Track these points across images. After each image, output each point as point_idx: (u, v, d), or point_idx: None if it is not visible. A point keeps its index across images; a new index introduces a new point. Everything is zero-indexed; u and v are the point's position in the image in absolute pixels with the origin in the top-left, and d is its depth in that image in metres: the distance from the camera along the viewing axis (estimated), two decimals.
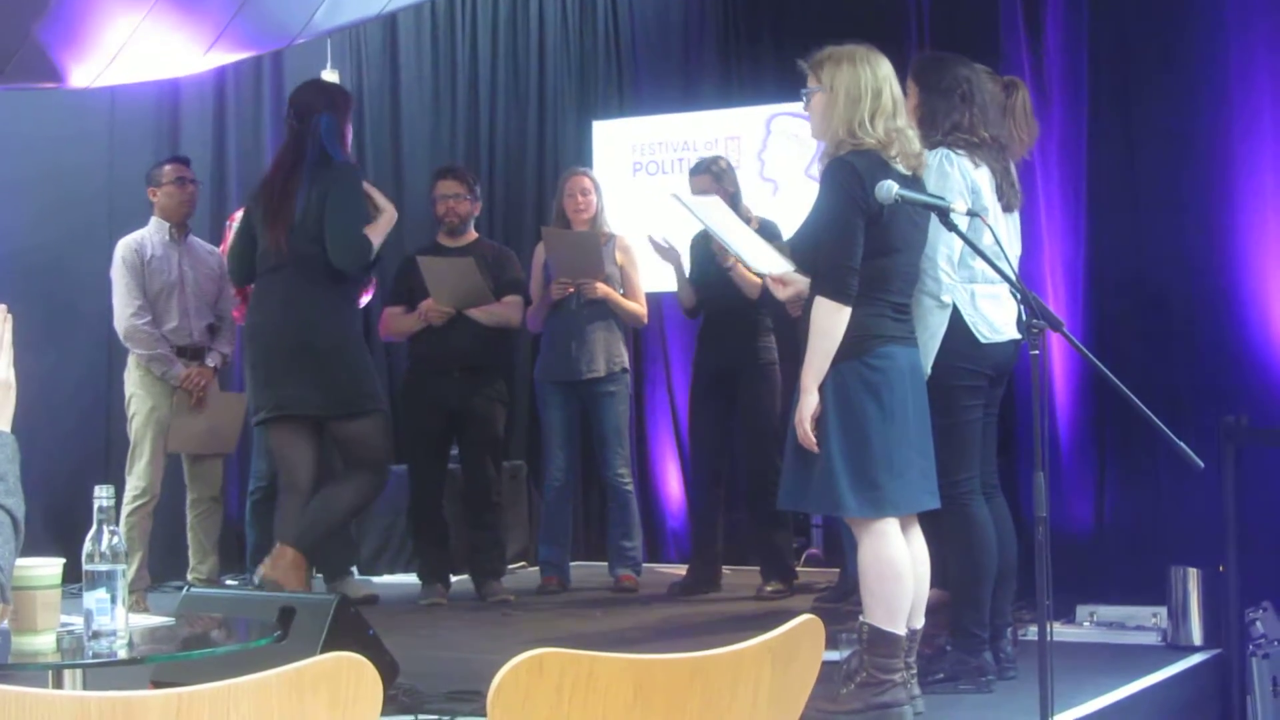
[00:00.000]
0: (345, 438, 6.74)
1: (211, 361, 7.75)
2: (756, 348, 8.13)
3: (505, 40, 10.67)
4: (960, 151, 5.47)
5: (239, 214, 8.22)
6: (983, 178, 5.49)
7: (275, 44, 8.11)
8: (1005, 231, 5.61)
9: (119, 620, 3.34)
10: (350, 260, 6.64)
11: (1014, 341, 5.54)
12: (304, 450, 6.73)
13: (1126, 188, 7.57)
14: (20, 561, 3.11)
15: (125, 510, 7.47)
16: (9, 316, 2.62)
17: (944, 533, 5.44)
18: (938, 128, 5.53)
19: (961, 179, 5.41)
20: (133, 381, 7.68)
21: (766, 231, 7.70)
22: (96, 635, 3.32)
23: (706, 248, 8.03)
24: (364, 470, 6.72)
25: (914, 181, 5.04)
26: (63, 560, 3.51)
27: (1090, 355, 4.54)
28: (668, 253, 8.06)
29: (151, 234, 7.74)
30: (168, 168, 7.82)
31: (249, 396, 6.90)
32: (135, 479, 7.57)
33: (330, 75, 9.07)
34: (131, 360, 7.68)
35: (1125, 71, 7.60)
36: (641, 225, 8.88)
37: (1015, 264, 5.48)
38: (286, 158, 6.77)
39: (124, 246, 7.69)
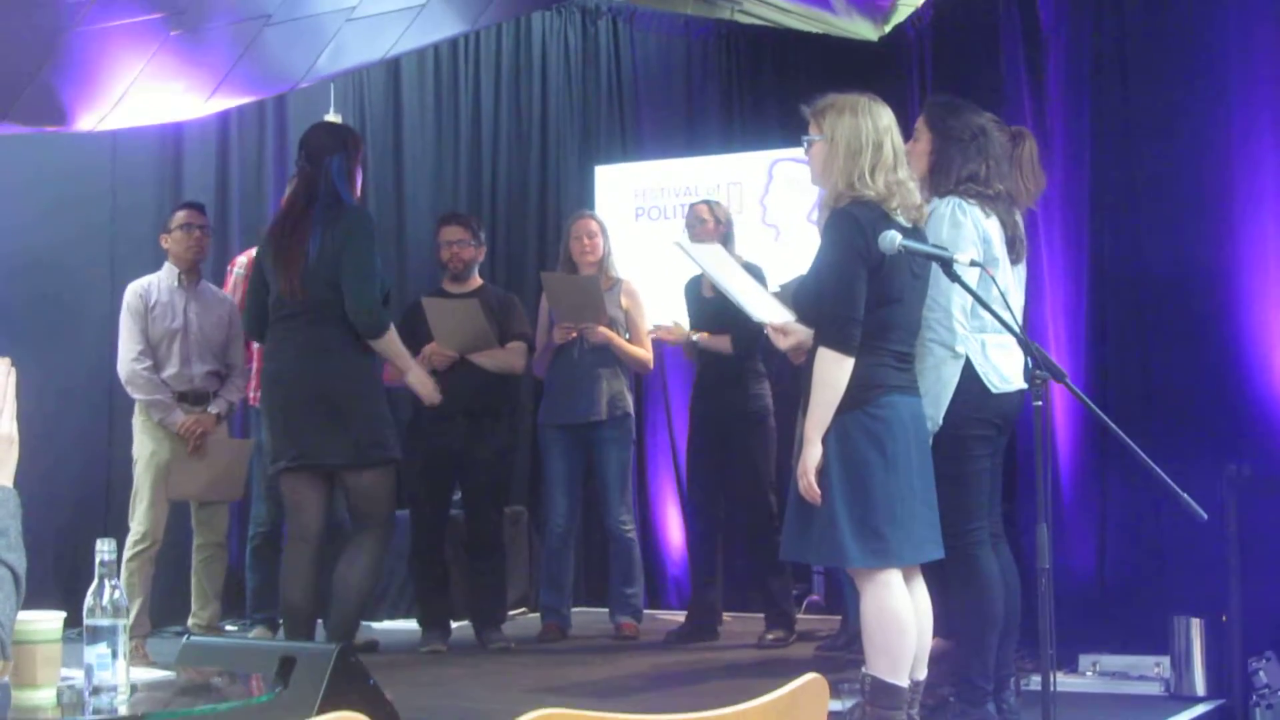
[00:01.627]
0: (356, 489, 6.67)
1: (215, 408, 7.74)
2: (748, 396, 8.13)
3: (508, 85, 10.69)
4: (972, 202, 5.46)
5: (240, 258, 8.26)
6: (993, 229, 5.49)
7: (278, 89, 8.13)
8: (1012, 283, 5.61)
9: (120, 675, 3.33)
10: (364, 318, 6.60)
11: (1022, 391, 5.53)
12: (316, 499, 6.69)
13: (1129, 233, 7.56)
14: (21, 615, 3.10)
15: (126, 555, 7.45)
16: (12, 370, 2.61)
17: (950, 582, 5.42)
18: (951, 176, 5.52)
19: (974, 230, 5.40)
20: (137, 426, 7.69)
21: (752, 275, 7.74)
22: (97, 690, 3.31)
23: (698, 294, 8.09)
24: (370, 531, 6.67)
25: (915, 233, 5.04)
26: (63, 614, 3.50)
27: (1093, 405, 4.54)
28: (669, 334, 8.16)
29: (161, 279, 7.75)
30: (179, 214, 7.84)
31: (267, 443, 6.84)
32: (136, 524, 7.56)
33: (333, 119, 9.08)
34: (137, 405, 7.68)
35: (1128, 118, 7.59)
36: (644, 270, 8.91)
37: (1020, 315, 5.48)
38: (298, 201, 6.71)
39: (131, 291, 7.71)
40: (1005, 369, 5.46)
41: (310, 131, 6.97)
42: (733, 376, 8.12)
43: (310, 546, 6.67)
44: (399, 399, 7.97)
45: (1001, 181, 5.59)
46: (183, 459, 7.61)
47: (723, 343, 7.96)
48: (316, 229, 6.54)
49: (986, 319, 5.38)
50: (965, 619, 5.48)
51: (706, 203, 8.47)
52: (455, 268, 8.24)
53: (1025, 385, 5.49)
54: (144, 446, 7.63)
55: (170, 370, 7.66)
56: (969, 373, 5.38)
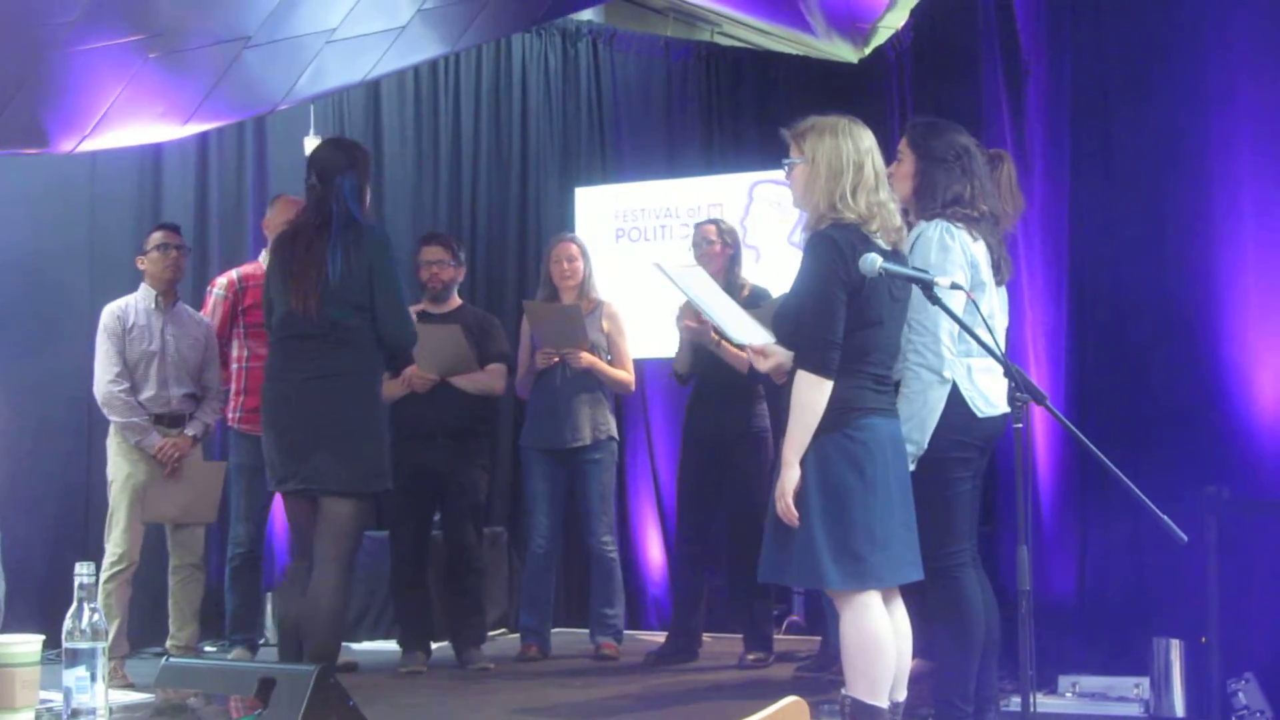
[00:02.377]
0: (331, 514, 6.48)
1: (192, 430, 7.72)
2: (749, 415, 8.12)
3: (488, 107, 10.69)
4: (959, 225, 5.47)
5: (220, 279, 8.23)
6: (980, 251, 5.49)
7: (257, 111, 8.11)
8: (997, 306, 5.62)
9: (98, 698, 3.32)
10: (403, 340, 6.60)
11: (1006, 415, 5.53)
12: (314, 519, 6.60)
13: (1109, 255, 7.57)
14: (0, 638, 3.10)
15: (103, 577, 7.41)
16: None
17: (933, 605, 5.42)
18: (936, 199, 5.52)
19: (962, 253, 5.41)
20: (112, 448, 7.66)
21: (756, 298, 7.73)
22: (76, 714, 3.31)
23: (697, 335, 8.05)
24: (333, 565, 6.42)
25: (895, 255, 5.05)
26: (42, 637, 3.50)
27: (1073, 428, 4.55)
28: (697, 331, 8.01)
29: (137, 301, 7.73)
30: (155, 235, 7.81)
31: (268, 461, 6.73)
32: (113, 545, 7.52)
33: (313, 141, 9.07)
34: (112, 427, 7.66)
35: (1108, 138, 7.61)
36: (625, 291, 8.92)
37: (1002, 337, 5.49)
38: (310, 220, 6.58)
39: (108, 313, 7.68)
40: (991, 394, 5.46)
41: (319, 149, 6.85)
42: (735, 395, 8.11)
43: (309, 565, 6.60)
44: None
45: (986, 202, 5.59)
46: (158, 481, 7.58)
47: (740, 360, 7.67)
48: (336, 250, 6.45)
49: (972, 343, 5.39)
50: (948, 641, 5.47)
51: (715, 223, 8.41)
52: (434, 288, 8.24)
53: (1008, 410, 5.51)
54: (119, 469, 7.60)
55: (148, 393, 7.64)
56: (955, 397, 5.38)
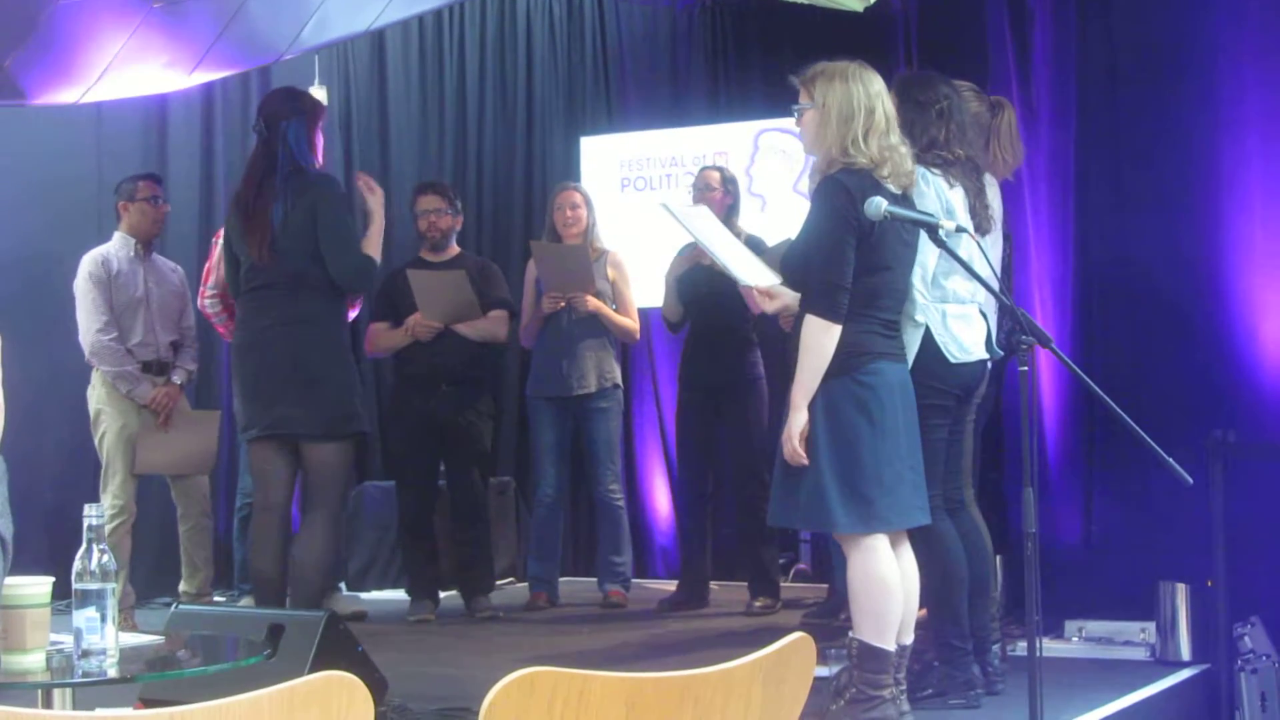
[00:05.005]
0: (316, 462, 6.52)
1: (178, 378, 7.70)
2: (744, 362, 8.12)
3: (493, 56, 10.67)
4: (936, 170, 5.46)
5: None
6: (957, 198, 5.47)
7: (262, 61, 8.09)
8: (976, 252, 5.61)
9: (109, 639, 3.34)
10: (356, 282, 6.61)
11: (982, 362, 5.54)
12: (283, 468, 6.59)
13: (1114, 203, 7.57)
14: (9, 580, 3.11)
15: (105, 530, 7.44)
16: None
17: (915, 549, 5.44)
18: (914, 144, 5.52)
19: (937, 199, 5.39)
20: (98, 398, 7.64)
21: (753, 247, 7.72)
22: (86, 654, 3.32)
23: (693, 261, 8.04)
24: (324, 509, 6.51)
25: (904, 200, 5.05)
26: (52, 579, 3.51)
27: (1079, 371, 4.55)
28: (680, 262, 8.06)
29: (117, 249, 7.71)
30: (142, 184, 7.79)
31: (238, 412, 6.75)
32: (111, 498, 7.51)
33: (318, 91, 9.05)
34: (96, 377, 7.63)
35: (1113, 86, 7.61)
36: (630, 241, 8.91)
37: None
38: (256, 168, 6.60)
39: (90, 261, 7.66)
40: (965, 339, 5.46)
41: (267, 97, 6.87)
42: (729, 342, 8.11)
43: (276, 516, 6.58)
44: (382, 367, 7.95)
45: (964, 147, 5.57)
46: (151, 432, 7.57)
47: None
48: (281, 198, 6.43)
49: (949, 288, 5.40)
50: (931, 583, 5.48)
51: (719, 170, 8.45)
52: (433, 237, 8.22)
53: (986, 356, 5.53)
54: (113, 420, 7.58)
55: (135, 340, 7.63)
56: (928, 343, 5.38)
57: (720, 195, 8.16)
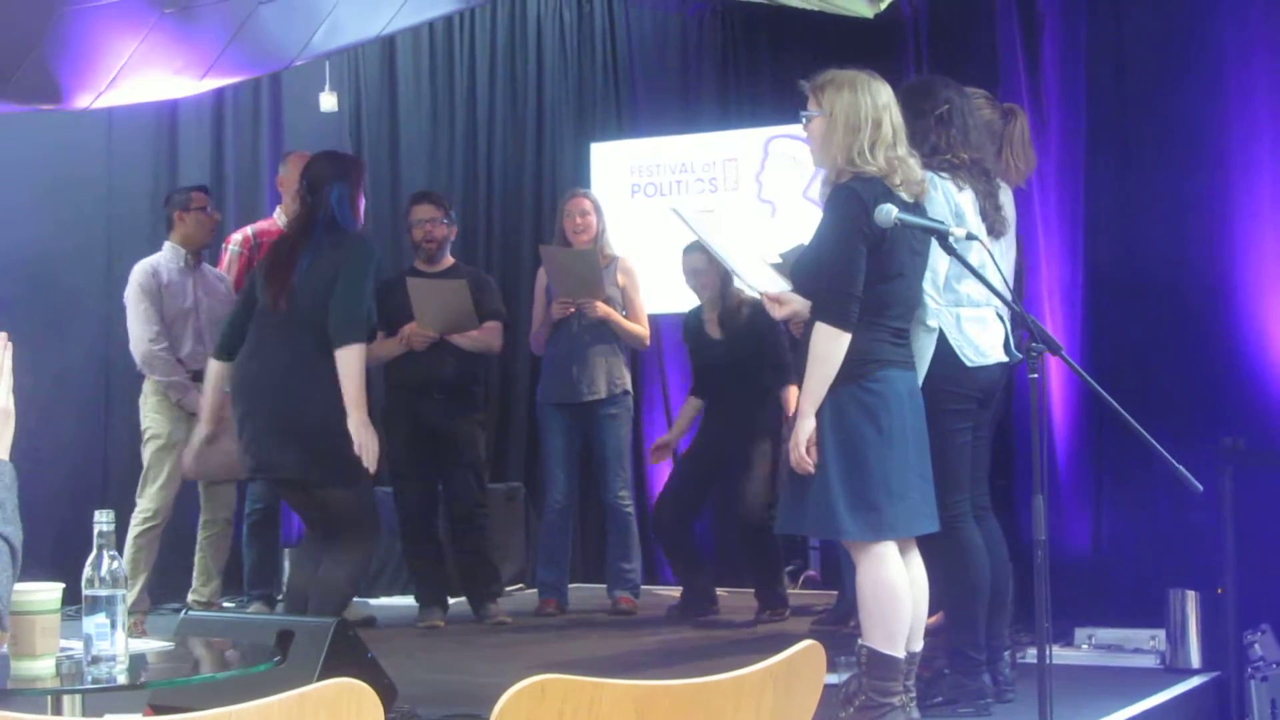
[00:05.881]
0: (326, 502, 6.34)
1: (227, 387, 7.71)
2: (757, 431, 8.18)
3: (503, 62, 10.67)
4: (944, 175, 5.46)
5: (235, 235, 8.24)
6: (966, 201, 5.47)
7: (272, 67, 8.10)
8: (986, 256, 5.60)
9: (118, 645, 3.34)
10: (344, 331, 6.41)
11: (1000, 365, 5.53)
12: (301, 496, 6.54)
13: (1123, 209, 7.57)
14: (19, 586, 3.11)
15: (134, 532, 7.45)
16: (9, 345, 2.62)
17: (936, 556, 5.43)
18: (918, 150, 5.52)
19: (945, 203, 5.39)
20: (150, 406, 7.65)
21: None
22: (96, 660, 3.32)
23: (699, 330, 8.26)
24: (347, 543, 6.30)
25: (915, 208, 5.04)
26: (62, 585, 3.51)
27: (1088, 378, 4.54)
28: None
29: (167, 260, 7.74)
30: (196, 194, 7.84)
31: (238, 448, 6.68)
32: (147, 501, 7.53)
33: (329, 97, 9.06)
34: (148, 386, 7.66)
35: (1123, 94, 7.61)
36: (640, 247, 8.91)
37: (1001, 289, 5.49)
38: (295, 226, 6.60)
39: (140, 272, 7.68)
40: (981, 342, 5.46)
41: (313, 160, 6.79)
42: (739, 418, 8.17)
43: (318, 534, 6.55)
44: (373, 376, 7.89)
45: (968, 150, 5.56)
46: (206, 439, 7.57)
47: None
48: (310, 250, 6.40)
49: (962, 292, 5.40)
50: (952, 592, 5.48)
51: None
52: (429, 248, 8.19)
53: (1004, 359, 5.52)
54: (162, 426, 7.60)
55: (185, 350, 7.67)
56: (944, 347, 5.38)
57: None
